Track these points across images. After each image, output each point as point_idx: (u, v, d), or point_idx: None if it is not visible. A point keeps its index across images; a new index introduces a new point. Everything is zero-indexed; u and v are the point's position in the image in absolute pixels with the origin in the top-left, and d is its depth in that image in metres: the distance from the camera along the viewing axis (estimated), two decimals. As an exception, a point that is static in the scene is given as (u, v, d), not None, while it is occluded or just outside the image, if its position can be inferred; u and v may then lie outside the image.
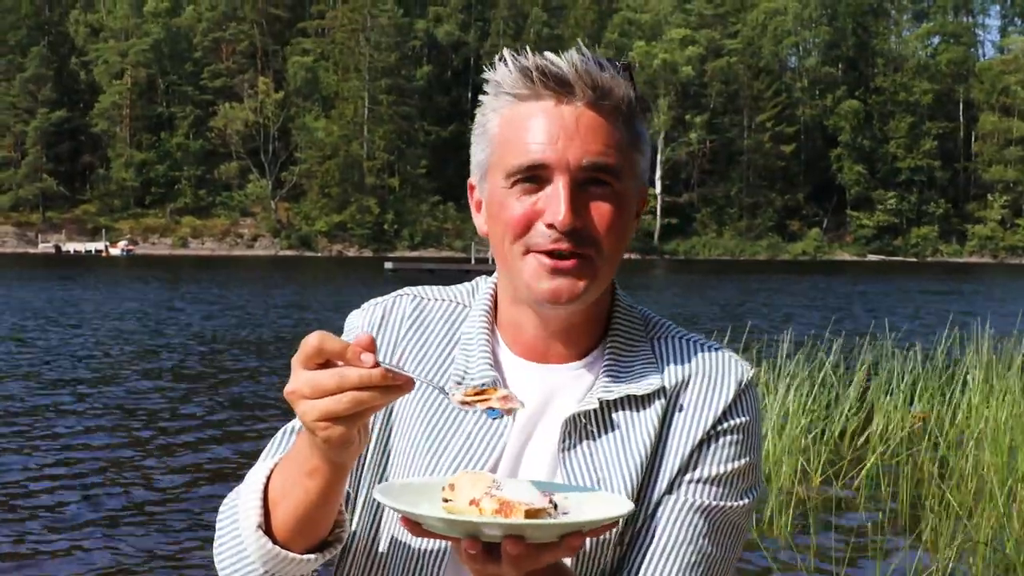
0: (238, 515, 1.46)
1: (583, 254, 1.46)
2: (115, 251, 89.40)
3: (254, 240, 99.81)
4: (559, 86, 1.46)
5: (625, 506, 1.35)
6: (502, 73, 1.49)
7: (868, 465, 8.27)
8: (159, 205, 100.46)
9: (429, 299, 1.64)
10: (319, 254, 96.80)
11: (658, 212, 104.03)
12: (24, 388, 14.01)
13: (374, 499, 1.54)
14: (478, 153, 1.55)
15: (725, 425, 1.54)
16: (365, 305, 1.66)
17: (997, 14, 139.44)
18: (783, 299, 37.51)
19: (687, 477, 1.53)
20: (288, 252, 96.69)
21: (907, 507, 7.74)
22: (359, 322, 1.64)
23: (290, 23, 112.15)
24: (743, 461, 1.55)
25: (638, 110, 1.52)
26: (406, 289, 1.67)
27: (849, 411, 9.89)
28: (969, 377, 10.09)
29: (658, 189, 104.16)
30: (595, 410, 1.52)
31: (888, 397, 10.00)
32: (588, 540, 1.43)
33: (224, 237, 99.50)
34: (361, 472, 1.60)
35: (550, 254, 1.45)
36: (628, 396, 1.53)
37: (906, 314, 27.44)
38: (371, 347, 1.24)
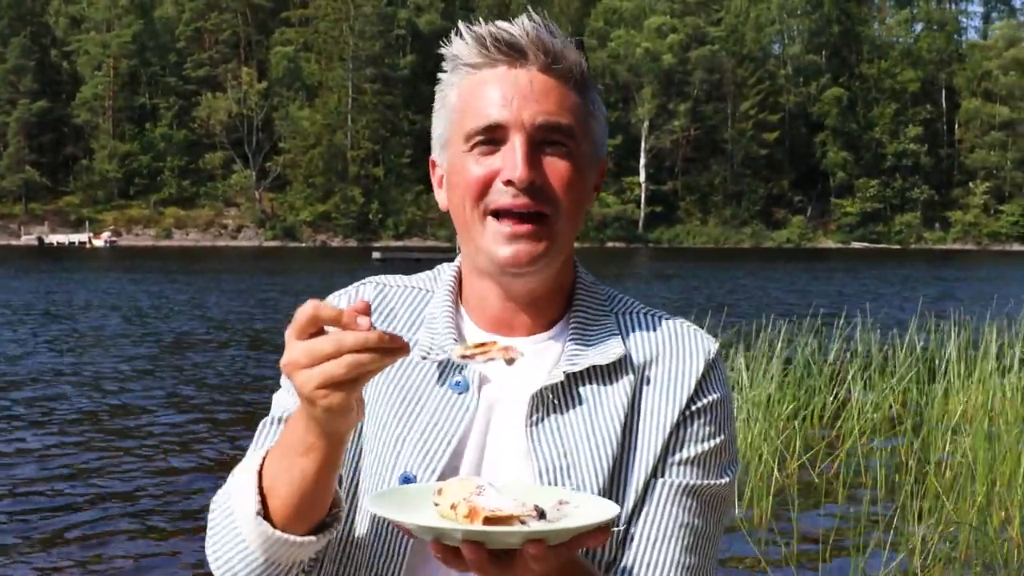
0: (232, 507, 1.45)
1: (541, 212, 1.48)
2: (98, 242, 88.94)
3: (238, 231, 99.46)
4: (512, 51, 1.50)
5: (598, 517, 1.29)
6: (458, 46, 1.54)
7: (845, 448, 8.31)
8: (143, 196, 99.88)
9: (391, 286, 1.65)
10: (303, 244, 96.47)
11: (642, 200, 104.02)
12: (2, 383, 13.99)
13: (345, 482, 1.58)
14: (438, 127, 1.58)
15: (699, 404, 1.55)
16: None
17: (980, 1, 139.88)
18: (765, 285, 37.58)
19: (671, 460, 1.53)
20: (272, 243, 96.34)
21: (885, 491, 7.80)
22: None
23: (273, 12, 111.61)
24: (721, 437, 1.56)
25: (591, 81, 1.56)
26: (368, 278, 1.68)
27: (827, 396, 9.94)
28: (947, 362, 10.14)
29: (642, 177, 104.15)
30: (561, 383, 1.52)
31: (866, 382, 10.04)
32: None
33: (208, 228, 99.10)
34: None
35: (509, 216, 1.48)
36: (593, 367, 1.53)
37: (887, 300, 27.52)
38: (366, 311, 1.25)
